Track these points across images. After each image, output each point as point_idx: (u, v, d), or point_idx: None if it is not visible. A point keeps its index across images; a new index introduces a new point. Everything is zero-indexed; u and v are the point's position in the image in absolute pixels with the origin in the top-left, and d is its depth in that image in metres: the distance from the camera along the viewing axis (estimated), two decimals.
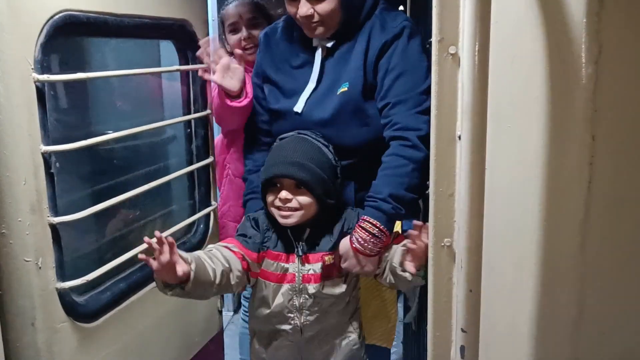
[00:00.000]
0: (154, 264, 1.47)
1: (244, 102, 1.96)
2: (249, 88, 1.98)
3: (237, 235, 1.79)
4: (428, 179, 1.30)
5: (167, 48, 2.02)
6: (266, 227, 1.77)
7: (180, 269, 1.50)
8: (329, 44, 1.87)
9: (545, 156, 0.97)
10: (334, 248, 1.74)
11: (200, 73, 1.97)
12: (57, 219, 1.46)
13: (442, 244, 1.26)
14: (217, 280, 1.60)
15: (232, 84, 1.93)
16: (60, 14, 1.44)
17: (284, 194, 1.69)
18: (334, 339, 1.83)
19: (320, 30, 1.82)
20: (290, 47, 1.94)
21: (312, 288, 1.73)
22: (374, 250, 1.69)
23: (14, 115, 1.34)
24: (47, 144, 1.43)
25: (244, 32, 2.25)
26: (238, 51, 2.25)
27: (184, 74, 2.05)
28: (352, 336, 1.85)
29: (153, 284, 1.84)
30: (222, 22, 2.32)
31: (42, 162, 1.42)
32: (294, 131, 1.81)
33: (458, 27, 1.19)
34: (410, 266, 1.59)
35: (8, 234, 1.37)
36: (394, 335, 2.22)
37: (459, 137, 1.21)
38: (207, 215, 2.15)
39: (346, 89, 1.83)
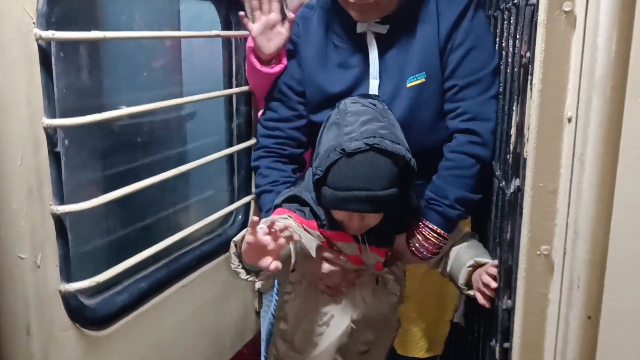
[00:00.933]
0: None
1: (275, 68, 1.68)
2: (285, 59, 1.69)
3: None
4: None
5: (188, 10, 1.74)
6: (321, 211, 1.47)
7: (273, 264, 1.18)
8: (384, 30, 1.56)
9: None
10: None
11: (241, 15, 1.65)
12: (62, 208, 1.21)
13: (538, 253, 0.97)
14: (293, 252, 1.34)
15: (267, 46, 1.64)
16: None
17: (355, 222, 1.41)
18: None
19: (373, 13, 1.52)
20: (328, 38, 1.63)
21: None
22: (432, 253, 1.53)
23: (9, 78, 1.09)
24: (52, 117, 1.18)
25: None
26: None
27: (226, 41, 1.78)
28: None
29: (180, 283, 1.61)
30: None
31: (44, 138, 1.17)
32: (352, 100, 1.47)
33: None
34: (481, 298, 1.38)
35: None
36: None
37: (569, 120, 0.91)
38: (247, 205, 1.89)
39: (422, 80, 1.54)
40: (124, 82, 1.61)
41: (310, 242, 1.43)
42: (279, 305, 1.63)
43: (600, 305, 0.85)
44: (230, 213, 1.86)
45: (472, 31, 1.53)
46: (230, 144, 1.86)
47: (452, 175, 1.52)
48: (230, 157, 1.86)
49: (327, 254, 1.49)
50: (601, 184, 0.83)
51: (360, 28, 1.57)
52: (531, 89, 0.95)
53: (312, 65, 1.63)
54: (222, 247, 1.78)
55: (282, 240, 1.18)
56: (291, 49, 1.69)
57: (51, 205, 1.20)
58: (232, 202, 1.86)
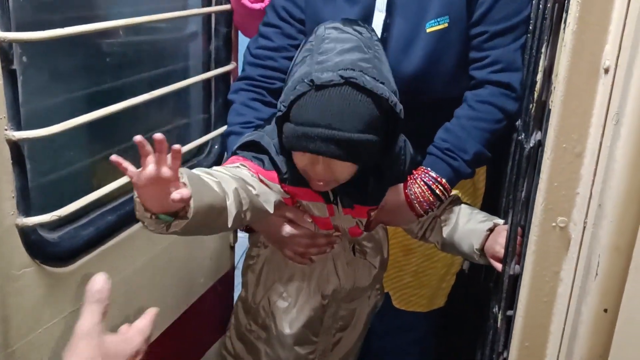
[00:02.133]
0: (138, 175, 0.95)
1: (255, 5, 1.49)
2: None
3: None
4: None
5: None
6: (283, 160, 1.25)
7: (177, 192, 0.93)
8: None
9: None
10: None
11: None
12: (19, 134, 1.06)
13: (554, 224, 0.86)
14: (230, 201, 1.09)
15: None
16: None
17: (320, 170, 1.17)
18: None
19: None
20: None
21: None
22: (427, 210, 1.34)
23: None
24: (6, 29, 1.01)
25: None
26: None
27: None
28: None
29: None
30: None
31: None
32: (333, 25, 1.22)
33: None
34: (497, 264, 1.23)
35: None
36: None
37: (606, 70, 0.79)
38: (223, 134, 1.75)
39: (445, 25, 1.33)
40: None
41: (267, 196, 1.20)
42: (243, 269, 1.46)
43: (620, 298, 0.74)
44: (206, 143, 1.72)
45: None
46: (208, 68, 1.70)
47: (476, 127, 1.35)
48: (207, 82, 1.70)
49: (288, 214, 1.29)
50: (638, 151, 0.72)
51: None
52: (564, 29, 0.82)
53: None
54: None
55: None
56: None
57: (6, 130, 1.05)
58: (207, 131, 1.72)
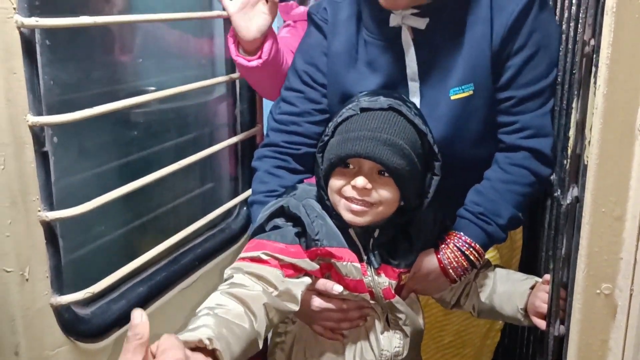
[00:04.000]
0: None
1: (252, 62, 1.46)
2: (267, 48, 1.46)
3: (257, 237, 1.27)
4: None
5: None
6: (316, 215, 1.25)
7: None
8: (422, 24, 1.30)
9: None
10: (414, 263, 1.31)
11: None
12: (52, 214, 1.08)
13: (598, 291, 0.84)
14: (259, 323, 1.06)
15: (247, 28, 1.42)
16: None
17: (361, 181, 1.17)
18: None
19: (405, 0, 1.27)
20: (359, 31, 1.38)
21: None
22: (461, 276, 1.31)
23: None
24: (38, 113, 1.04)
25: None
26: None
27: (227, 21, 1.63)
28: None
29: (180, 285, 1.50)
30: None
31: (30, 137, 1.03)
32: (380, 95, 1.24)
33: None
34: (543, 324, 1.19)
35: None
36: None
37: None
38: None
39: (470, 92, 1.31)
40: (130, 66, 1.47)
41: (290, 292, 1.16)
42: (271, 348, 1.41)
43: None
44: (235, 206, 1.73)
45: (536, 31, 1.28)
46: (234, 132, 1.73)
47: (510, 190, 1.32)
48: (233, 145, 1.72)
49: (318, 285, 1.26)
50: None
51: (393, 20, 1.31)
52: (595, 82, 0.82)
53: (338, 62, 1.39)
54: (225, 244, 1.67)
55: None
56: (318, 35, 1.45)
57: (39, 212, 1.07)
58: (235, 194, 1.74)
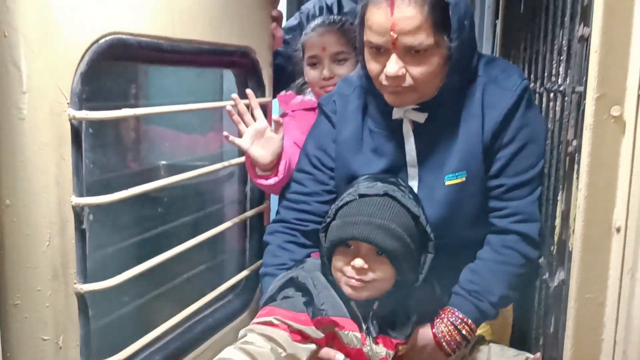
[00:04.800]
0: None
1: (270, 180, 1.62)
2: (282, 167, 1.62)
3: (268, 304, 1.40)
4: None
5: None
6: (322, 287, 1.38)
7: None
8: (422, 118, 1.45)
9: None
10: (410, 335, 1.41)
11: (225, 135, 1.58)
12: (86, 287, 1.19)
13: None
14: None
15: (262, 155, 1.58)
16: (107, 38, 1.19)
17: (359, 262, 1.31)
18: None
19: (409, 98, 1.41)
20: (365, 121, 1.53)
21: None
22: (455, 350, 1.41)
23: (41, 159, 1.08)
24: (80, 195, 1.17)
25: (325, 70, 1.85)
26: (315, 88, 1.91)
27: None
28: None
29: (193, 353, 1.58)
30: (302, 48, 1.95)
31: (72, 216, 1.15)
32: (378, 181, 1.40)
33: (626, 81, 0.90)
34: None
35: (23, 306, 1.10)
36: None
37: (617, 230, 0.92)
38: (257, 271, 1.87)
39: (463, 179, 1.45)
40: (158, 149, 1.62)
41: (296, 355, 1.30)
42: None
43: None
44: (241, 280, 1.83)
45: (524, 127, 1.43)
46: (244, 208, 1.85)
47: (502, 270, 1.44)
48: (243, 221, 1.85)
49: (322, 353, 1.36)
50: None
51: (396, 114, 1.47)
52: (577, 178, 0.96)
53: (346, 148, 1.55)
54: (233, 315, 1.76)
55: None
56: (327, 125, 1.60)
57: (75, 284, 1.18)
58: (242, 267, 1.84)
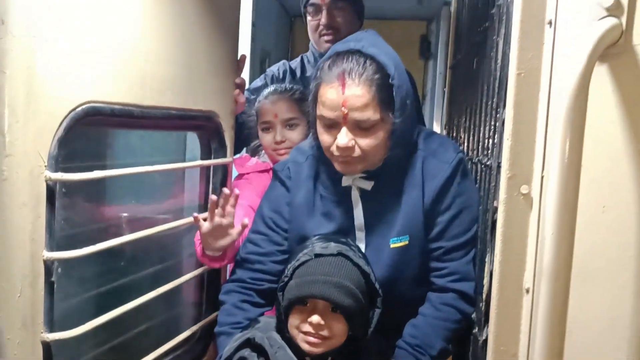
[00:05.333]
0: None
1: (215, 264, 1.75)
2: (230, 255, 1.74)
3: None
4: None
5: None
6: (278, 347, 1.49)
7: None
8: (368, 186, 1.62)
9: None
10: None
11: (194, 217, 1.67)
12: (51, 336, 1.28)
13: None
14: None
15: (211, 245, 1.68)
16: (83, 106, 1.31)
17: (316, 318, 1.43)
18: None
19: (357, 167, 1.56)
20: (316, 187, 1.68)
21: None
22: None
23: (19, 218, 1.19)
24: (51, 249, 1.27)
25: (277, 135, 2.03)
26: (268, 151, 2.08)
27: (205, 169, 1.92)
28: None
29: None
30: (256, 114, 2.12)
31: (42, 270, 1.26)
32: (331, 242, 1.54)
33: (533, 164, 1.07)
34: None
35: None
36: None
37: (527, 291, 1.07)
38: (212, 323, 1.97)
39: (406, 242, 1.60)
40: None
41: None
42: None
43: None
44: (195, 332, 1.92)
45: (460, 195, 1.59)
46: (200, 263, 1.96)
47: (441, 326, 1.57)
48: (200, 275, 1.94)
49: None
50: (552, 348, 0.97)
51: (345, 181, 1.62)
52: (493, 249, 1.12)
53: (299, 211, 1.68)
54: None
55: None
56: (283, 190, 1.73)
57: (42, 333, 1.27)
58: (199, 318, 1.93)
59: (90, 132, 1.58)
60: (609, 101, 0.96)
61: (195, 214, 1.67)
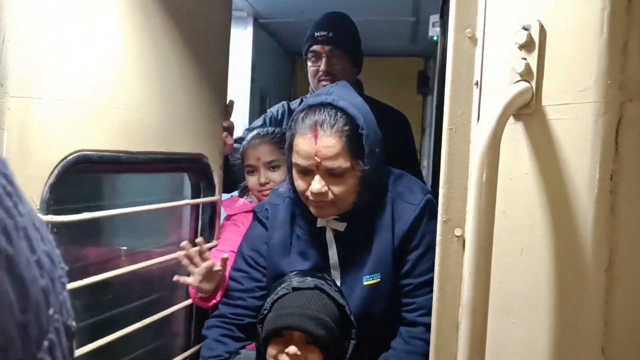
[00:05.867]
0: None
1: (209, 303, 1.89)
2: (220, 296, 1.88)
3: None
4: None
5: None
6: None
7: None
8: (341, 227, 1.74)
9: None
10: None
11: (176, 279, 1.84)
12: None
13: None
14: None
15: (208, 288, 1.84)
16: (74, 155, 1.47)
17: (292, 349, 1.54)
18: None
19: (330, 210, 1.70)
20: (293, 228, 1.81)
21: None
22: None
23: None
24: None
25: (261, 177, 2.17)
26: (254, 192, 2.22)
27: (194, 206, 2.07)
28: None
29: None
30: (242, 157, 2.27)
31: None
32: (307, 277, 1.66)
33: (465, 209, 1.19)
34: None
35: None
36: None
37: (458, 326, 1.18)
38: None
39: (378, 280, 1.73)
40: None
41: None
42: None
43: None
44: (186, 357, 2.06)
45: (427, 234, 1.70)
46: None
47: (411, 359, 1.67)
48: (190, 306, 2.08)
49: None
50: None
51: (320, 222, 1.75)
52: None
53: (276, 251, 1.80)
54: None
55: None
56: (260, 230, 1.87)
57: None
58: (187, 348, 2.07)
59: (81, 180, 1.74)
60: (524, 155, 1.08)
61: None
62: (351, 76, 2.59)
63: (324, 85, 2.47)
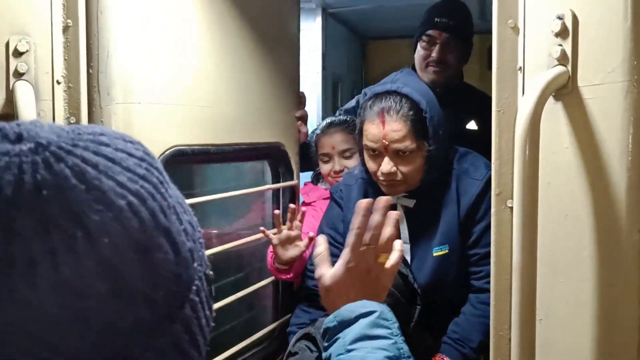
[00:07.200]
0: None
1: (283, 276, 2.06)
2: (297, 267, 2.04)
3: None
4: None
5: None
6: None
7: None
8: (411, 204, 1.91)
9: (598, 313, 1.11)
10: None
11: (261, 230, 2.03)
12: None
13: None
14: None
15: (282, 255, 1.99)
16: (171, 150, 1.72)
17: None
18: None
19: (399, 188, 1.87)
20: None
21: None
22: None
23: None
24: None
25: (336, 165, 2.29)
26: (328, 179, 2.35)
27: (275, 191, 2.29)
28: None
29: None
30: (315, 146, 2.39)
31: None
32: None
33: (513, 184, 1.34)
34: None
35: None
36: None
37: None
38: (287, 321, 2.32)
39: (446, 251, 1.89)
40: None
41: None
42: None
43: None
44: (274, 329, 2.28)
45: (490, 207, 1.76)
46: None
47: (480, 322, 1.80)
48: (276, 282, 2.29)
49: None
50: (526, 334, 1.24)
51: (391, 199, 1.87)
52: None
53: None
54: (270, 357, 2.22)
55: None
56: (337, 209, 2.05)
57: None
58: (276, 318, 2.30)
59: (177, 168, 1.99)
60: (564, 130, 1.22)
61: (262, 228, 2.05)
62: (459, 68, 2.58)
63: (433, 72, 2.47)
